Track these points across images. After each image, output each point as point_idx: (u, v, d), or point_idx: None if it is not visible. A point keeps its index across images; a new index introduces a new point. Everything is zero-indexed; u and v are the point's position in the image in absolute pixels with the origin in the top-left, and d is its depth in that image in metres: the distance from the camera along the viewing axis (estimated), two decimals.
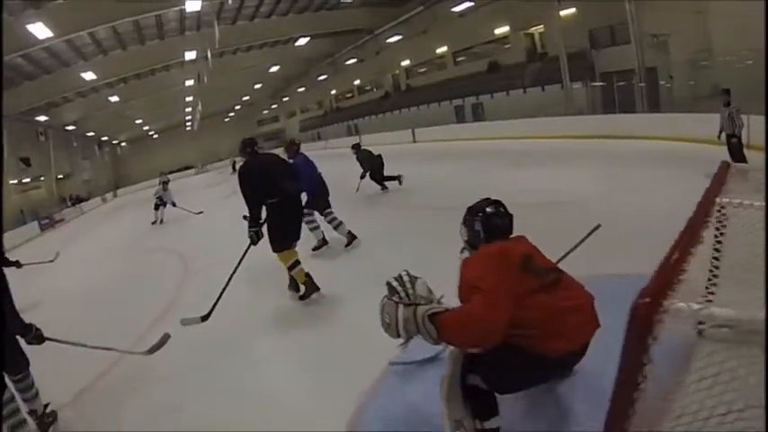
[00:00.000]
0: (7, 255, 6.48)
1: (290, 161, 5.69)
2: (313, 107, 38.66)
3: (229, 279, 4.19)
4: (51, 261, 7.77)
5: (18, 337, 2.97)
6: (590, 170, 8.57)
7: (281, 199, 4.48)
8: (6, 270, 3.00)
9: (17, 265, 6.40)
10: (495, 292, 1.77)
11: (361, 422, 2.48)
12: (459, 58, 22.66)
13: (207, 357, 3.66)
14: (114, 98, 23.57)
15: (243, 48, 23.42)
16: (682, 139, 9.54)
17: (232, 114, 42.96)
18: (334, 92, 34.43)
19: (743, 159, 6.51)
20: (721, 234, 1.65)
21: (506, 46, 19.78)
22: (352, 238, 5.93)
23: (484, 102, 20.13)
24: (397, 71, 26.95)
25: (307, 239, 5.38)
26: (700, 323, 2.06)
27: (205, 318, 3.93)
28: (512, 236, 2.17)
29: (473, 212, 2.22)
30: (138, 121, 33.50)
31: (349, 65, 28.97)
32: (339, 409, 2.57)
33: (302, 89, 36.26)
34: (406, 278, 2.00)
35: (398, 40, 23.64)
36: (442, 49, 22.89)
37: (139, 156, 40.64)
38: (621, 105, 14.88)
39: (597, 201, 5.88)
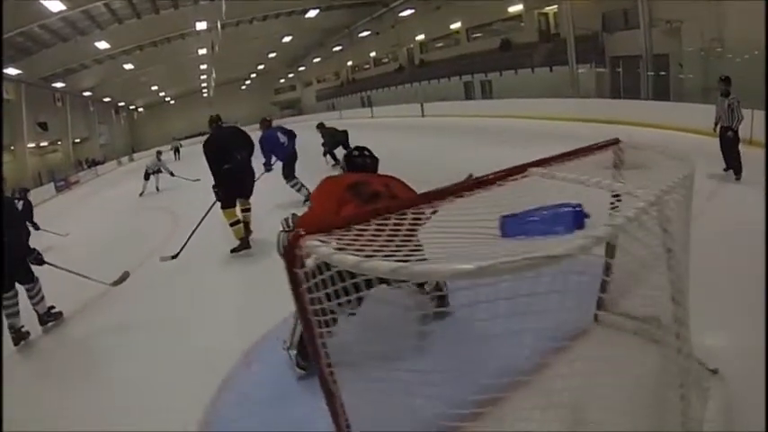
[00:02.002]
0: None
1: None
2: (330, 77, 39.02)
3: (195, 228, 5.84)
4: (65, 235, 8.99)
5: None
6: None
7: (230, 166, 5.66)
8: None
9: (35, 227, 8.59)
10: (317, 204, 2.66)
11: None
12: (476, 35, 22.82)
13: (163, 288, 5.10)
14: (129, 66, 24.34)
15: (259, 17, 23.85)
16: (683, 130, 9.65)
17: (249, 82, 43.51)
18: (350, 63, 34.77)
19: (736, 157, 6.09)
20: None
21: (521, 24, 19.92)
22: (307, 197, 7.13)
23: (493, 79, 20.45)
24: (412, 45, 27.18)
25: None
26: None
27: (174, 256, 5.50)
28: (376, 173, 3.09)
29: (346, 154, 3.25)
30: (154, 88, 34.37)
31: (363, 37, 29.23)
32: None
33: (318, 59, 36.61)
34: (290, 216, 2.93)
35: (413, 15, 23.89)
36: (455, 25, 23.03)
37: (156, 121, 41.62)
38: (627, 91, 15.07)
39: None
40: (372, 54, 31.63)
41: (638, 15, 14.24)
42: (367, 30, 28.47)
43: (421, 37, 26.16)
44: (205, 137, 6.13)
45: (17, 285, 4.15)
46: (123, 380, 3.30)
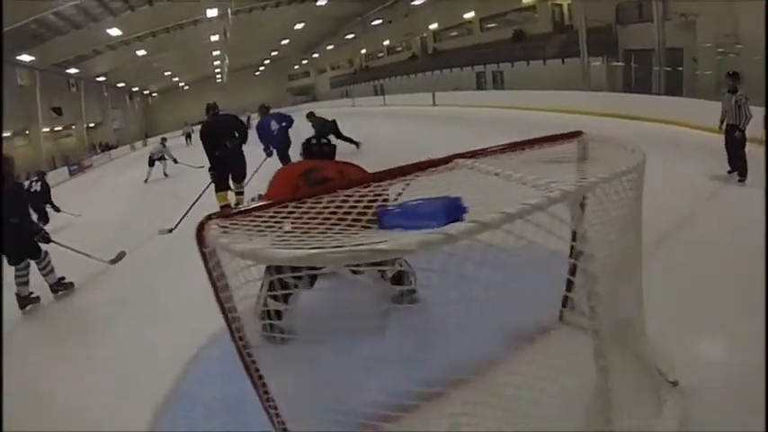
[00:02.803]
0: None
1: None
2: (344, 65, 39.07)
3: (192, 204, 6.64)
4: (78, 215, 9.57)
5: None
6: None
7: (222, 152, 6.38)
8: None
9: (56, 209, 9.40)
10: (273, 192, 2.88)
11: None
12: (491, 25, 22.70)
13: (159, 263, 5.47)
14: (142, 52, 24.71)
15: (271, 4, 24.02)
16: (695, 127, 9.30)
17: (262, 68, 43.74)
18: (364, 51, 34.80)
19: (742, 158, 5.77)
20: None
21: (535, 15, 19.78)
22: None
23: (504, 70, 20.40)
24: (425, 34, 27.14)
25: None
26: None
27: (171, 230, 6.31)
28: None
29: (304, 142, 3.45)
30: (167, 73, 34.81)
31: (376, 25, 29.24)
32: None
33: (331, 47, 36.71)
34: (257, 196, 3.30)
35: (426, 4, 23.83)
36: (469, 15, 22.94)
37: (170, 106, 42.06)
38: (639, 85, 14.96)
39: None
40: (386, 42, 31.61)
41: (651, 7, 14.11)
42: (379, 18, 28.41)
43: (434, 26, 26.08)
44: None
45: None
46: (114, 341, 3.73)
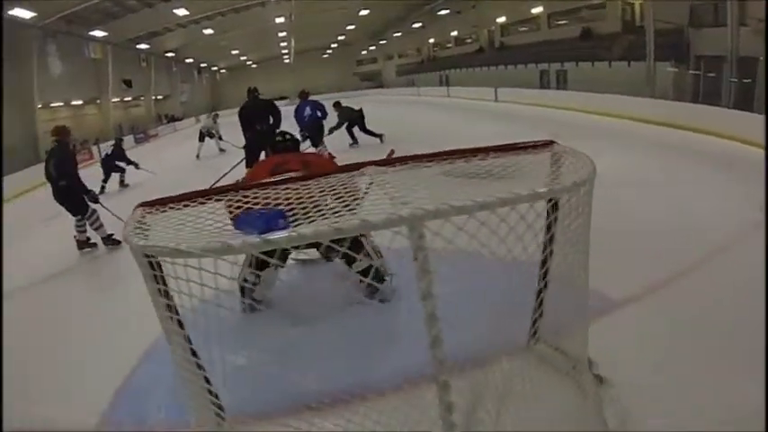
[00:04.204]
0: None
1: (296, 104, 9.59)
2: (412, 53, 39.05)
3: (222, 176, 7.56)
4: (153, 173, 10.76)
5: None
6: (616, 156, 7.62)
7: (251, 133, 7.28)
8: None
9: (135, 165, 10.56)
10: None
11: None
12: (561, 21, 22.02)
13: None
14: (209, 31, 25.94)
15: None
16: (759, 146, 7.88)
17: (330, 51, 44.53)
18: (432, 40, 34.65)
19: None
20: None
21: (605, 13, 18.97)
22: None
23: (568, 69, 19.72)
24: (493, 27, 26.65)
25: None
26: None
27: None
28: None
29: (271, 140, 3.75)
30: (235, 52, 36.16)
31: (443, 15, 29.03)
32: None
33: (398, 34, 36.80)
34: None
35: None
36: (537, 10, 22.34)
37: (237, 82, 43.36)
38: (706, 95, 14.07)
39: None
40: (454, 33, 31.34)
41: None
42: (446, 8, 28.17)
43: (502, 19, 25.59)
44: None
45: None
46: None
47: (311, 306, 3.28)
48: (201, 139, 13.32)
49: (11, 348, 3.12)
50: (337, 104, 10.90)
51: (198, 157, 13.11)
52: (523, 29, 24.75)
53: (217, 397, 1.89)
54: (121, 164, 10.47)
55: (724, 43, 13.39)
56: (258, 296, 3.10)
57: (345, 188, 1.84)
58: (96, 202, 5.81)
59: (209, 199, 1.95)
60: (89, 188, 5.83)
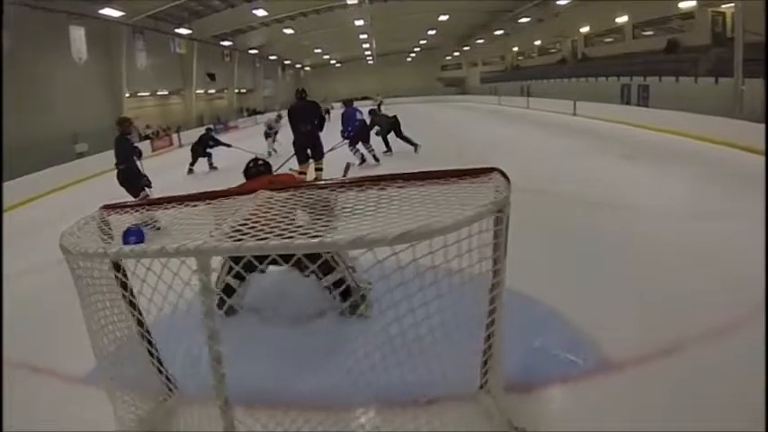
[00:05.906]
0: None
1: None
2: (496, 61, 38.75)
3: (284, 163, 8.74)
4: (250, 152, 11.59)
5: None
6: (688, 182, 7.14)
7: (297, 133, 7.97)
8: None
9: (227, 145, 12.16)
10: None
11: None
12: (647, 32, 21.08)
13: None
14: (289, 30, 27.45)
15: None
16: None
17: (413, 55, 45.16)
18: (515, 49, 34.25)
19: None
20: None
21: (692, 23, 17.92)
22: (362, 161, 10.02)
23: (651, 84, 18.79)
24: (576, 38, 25.98)
25: None
26: None
27: None
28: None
29: (245, 167, 4.02)
30: (317, 51, 37.72)
31: (524, 23, 28.64)
32: None
33: (481, 41, 36.68)
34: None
35: (576, 4, 22.80)
36: (622, 19, 21.54)
37: (321, 80, 45.60)
38: None
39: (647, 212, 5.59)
40: (537, 42, 30.84)
41: None
42: (527, 16, 27.77)
43: (586, 29, 24.88)
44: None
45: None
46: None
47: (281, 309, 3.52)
48: (267, 136, 14.09)
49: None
50: (373, 112, 11.52)
51: (269, 155, 12.83)
52: (608, 40, 23.95)
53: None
54: (210, 150, 12.09)
55: None
56: (235, 302, 3.18)
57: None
58: (149, 186, 6.56)
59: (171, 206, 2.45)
60: (143, 173, 6.64)
